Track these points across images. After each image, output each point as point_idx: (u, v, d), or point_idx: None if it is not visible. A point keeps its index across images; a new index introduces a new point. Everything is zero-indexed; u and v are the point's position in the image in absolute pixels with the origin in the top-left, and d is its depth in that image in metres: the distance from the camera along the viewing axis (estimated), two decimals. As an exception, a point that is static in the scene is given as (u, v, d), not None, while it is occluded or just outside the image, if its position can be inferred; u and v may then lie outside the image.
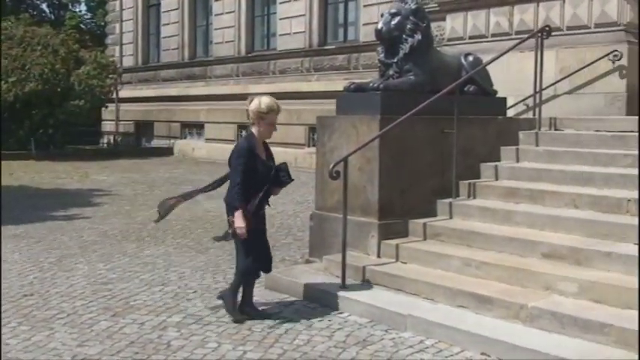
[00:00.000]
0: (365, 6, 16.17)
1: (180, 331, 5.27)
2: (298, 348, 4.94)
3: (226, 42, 20.46)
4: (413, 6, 7.01)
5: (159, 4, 23.94)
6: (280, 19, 18.55)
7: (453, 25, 11.01)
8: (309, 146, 16.79)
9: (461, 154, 7.00)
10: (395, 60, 6.99)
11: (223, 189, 5.69)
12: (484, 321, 5.15)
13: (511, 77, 8.93)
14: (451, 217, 6.78)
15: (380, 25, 6.99)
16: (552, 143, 7.53)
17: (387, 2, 13.53)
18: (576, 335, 4.75)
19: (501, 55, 7.77)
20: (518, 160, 7.43)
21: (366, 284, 6.13)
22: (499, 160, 7.49)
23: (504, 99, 8.10)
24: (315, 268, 6.71)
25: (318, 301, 5.94)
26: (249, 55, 19.95)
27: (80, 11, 39.41)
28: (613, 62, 9.08)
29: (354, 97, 7.04)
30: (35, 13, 35.55)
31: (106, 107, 23.33)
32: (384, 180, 6.61)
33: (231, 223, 5.41)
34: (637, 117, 7.77)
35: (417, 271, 6.06)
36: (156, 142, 23.48)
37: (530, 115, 8.46)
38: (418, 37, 6.92)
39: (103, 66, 21.61)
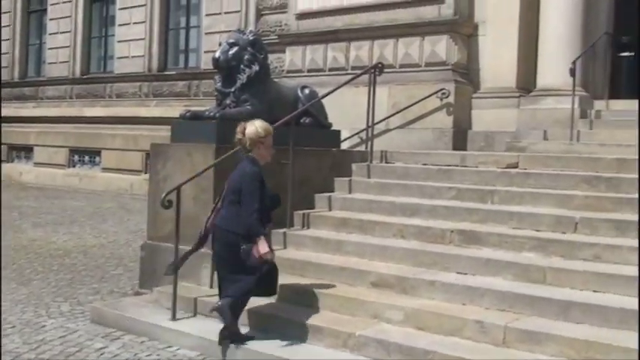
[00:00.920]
0: (207, 33, 16.09)
1: (-6, 370, 4.90)
2: (123, 385, 4.74)
3: (60, 62, 19.58)
4: (251, 37, 7.07)
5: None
6: (118, 41, 18.04)
7: (292, 57, 11.22)
8: (145, 173, 16.35)
9: (296, 185, 7.08)
10: (232, 89, 7.00)
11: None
12: (314, 350, 5.19)
13: (346, 111, 9.20)
14: (285, 247, 6.81)
15: (217, 55, 6.98)
16: (383, 175, 7.80)
17: (228, 31, 13.54)
18: (401, 362, 4.89)
19: (336, 89, 7.99)
20: (350, 192, 7.63)
21: (197, 316, 6.00)
22: (333, 191, 7.66)
23: (339, 132, 8.32)
24: (146, 300, 6.49)
25: (147, 335, 5.74)
26: (85, 77, 19.21)
27: None
28: (441, 99, 9.62)
29: (190, 124, 6.96)
30: None
31: None
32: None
33: (251, 252, 5.11)
34: (460, 152, 8.27)
35: (250, 302, 6.00)
36: (-21, 166, 21.93)
37: (363, 147, 8.74)
38: (256, 67, 6.97)
39: None
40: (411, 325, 5.28)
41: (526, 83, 9.61)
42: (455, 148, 9.26)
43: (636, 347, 4.37)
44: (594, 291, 5.15)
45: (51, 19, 19.99)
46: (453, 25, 9.71)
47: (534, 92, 9.34)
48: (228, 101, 7.02)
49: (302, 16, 11.09)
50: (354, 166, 7.96)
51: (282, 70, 11.68)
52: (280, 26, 11.90)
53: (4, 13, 21.21)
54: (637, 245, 5.40)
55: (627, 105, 9.00)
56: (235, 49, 6.96)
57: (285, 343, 5.31)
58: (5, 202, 15.02)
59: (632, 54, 10.00)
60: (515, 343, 4.80)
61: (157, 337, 5.68)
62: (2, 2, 20.90)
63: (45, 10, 20.32)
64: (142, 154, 16.61)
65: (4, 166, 20.88)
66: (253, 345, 5.27)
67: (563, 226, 5.99)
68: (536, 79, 9.40)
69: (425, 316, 5.26)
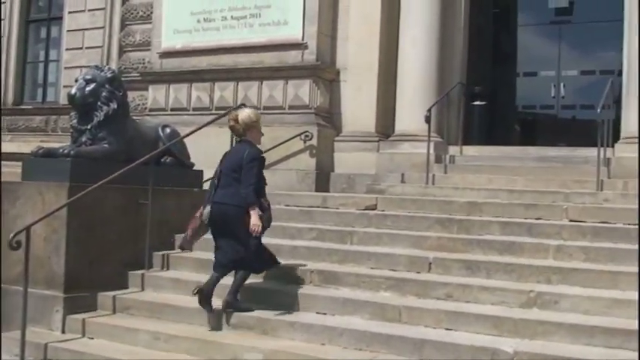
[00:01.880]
0: (66, 68, 15.59)
1: None
2: None
3: None
4: (109, 74, 6.94)
5: None
6: (-29, 73, 17.14)
7: (155, 95, 11.05)
8: (-3, 212, 15.48)
9: (155, 225, 6.94)
10: (89, 127, 6.83)
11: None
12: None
13: (211, 151, 9.06)
14: (143, 289, 6.63)
15: (74, 91, 6.80)
16: (245, 216, 7.77)
17: (89, 66, 13.18)
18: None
19: (199, 128, 7.95)
20: (212, 232, 7.54)
21: (47, 363, 5.70)
22: (194, 232, 7.53)
23: (201, 171, 8.24)
24: (-9, 347, 6.08)
25: (-10, 385, 5.38)
26: None
27: None
28: (304, 142, 9.74)
29: (43, 162, 6.71)
30: None
31: None
32: (71, 251, 6.31)
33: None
34: (322, 193, 8.42)
35: (104, 347, 5.79)
36: None
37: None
38: (114, 105, 6.84)
39: None
40: (270, 366, 5.25)
41: (385, 128, 9.95)
42: (318, 190, 9.39)
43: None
44: (447, 329, 5.34)
45: None
46: (316, 71, 9.93)
47: (393, 137, 9.67)
48: (84, 139, 6.83)
49: (165, 54, 10.98)
50: (215, 207, 7.88)
51: (145, 108, 11.45)
52: (143, 64, 11.71)
53: None
54: (487, 285, 5.69)
55: (479, 150, 9.52)
56: (93, 85, 6.81)
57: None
58: None
59: (484, 102, 10.63)
60: (372, 382, 4.88)
61: (0, 387, 5.34)
62: None
63: None
64: (-7, 192, 15.74)
65: None
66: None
67: (417, 266, 6.20)
68: (395, 125, 9.74)
69: (284, 357, 5.26)
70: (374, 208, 7.57)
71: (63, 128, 15.37)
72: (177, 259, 6.98)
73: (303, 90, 10.02)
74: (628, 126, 8.34)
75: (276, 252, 6.83)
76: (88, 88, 6.79)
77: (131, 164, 6.61)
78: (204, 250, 7.12)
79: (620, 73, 9.21)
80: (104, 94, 6.81)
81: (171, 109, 10.82)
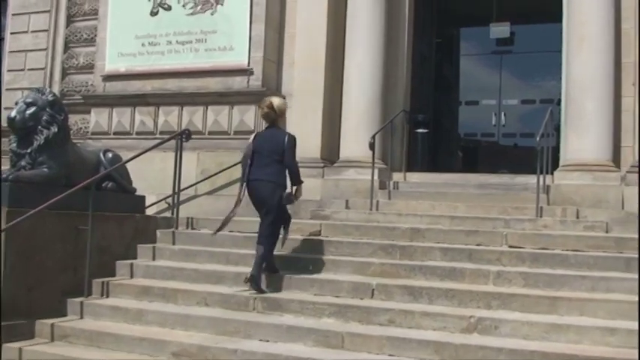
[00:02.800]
0: (7, 90, 15.27)
1: None
2: None
3: None
4: (50, 97, 6.83)
5: None
6: None
7: (98, 119, 10.90)
8: None
9: (95, 252, 6.82)
10: (29, 151, 6.70)
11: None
12: None
13: (154, 176, 9.07)
14: (82, 317, 6.48)
15: (13, 114, 6.67)
16: (189, 242, 7.71)
17: (30, 88, 12.94)
18: None
19: (142, 153, 7.86)
20: (154, 259, 7.45)
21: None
22: (136, 258, 7.44)
23: (143, 197, 8.15)
24: None
25: None
26: None
27: None
28: (249, 167, 9.71)
29: (-21, 186, 6.49)
30: None
31: None
32: (8, 277, 6.12)
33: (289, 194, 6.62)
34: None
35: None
36: None
37: (169, 214, 8.60)
38: (54, 129, 6.73)
39: None
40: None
41: (330, 154, 10.00)
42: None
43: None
44: (390, 355, 5.36)
45: None
46: (261, 96, 9.83)
47: (338, 163, 9.73)
48: (23, 163, 6.69)
49: (109, 77, 10.86)
50: (158, 233, 7.80)
51: (87, 132, 11.28)
52: (86, 87, 11.54)
53: None
54: (429, 310, 5.77)
55: (422, 177, 9.65)
56: (33, 108, 6.69)
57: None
58: None
59: (427, 130, 10.80)
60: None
61: None
62: None
63: None
64: None
65: None
66: None
67: (361, 292, 6.22)
68: (340, 151, 9.81)
69: (225, 386, 5.19)
70: (318, 234, 7.58)
71: (5, 152, 15.01)
72: (117, 286, 6.85)
73: (248, 115, 10.02)
74: (566, 153, 8.58)
75: (220, 279, 6.82)
76: (28, 112, 6.67)
77: (71, 189, 6.49)
78: (147, 277, 7.04)
79: (559, 102, 9.49)
80: (45, 117, 6.69)
81: (114, 133, 10.68)
